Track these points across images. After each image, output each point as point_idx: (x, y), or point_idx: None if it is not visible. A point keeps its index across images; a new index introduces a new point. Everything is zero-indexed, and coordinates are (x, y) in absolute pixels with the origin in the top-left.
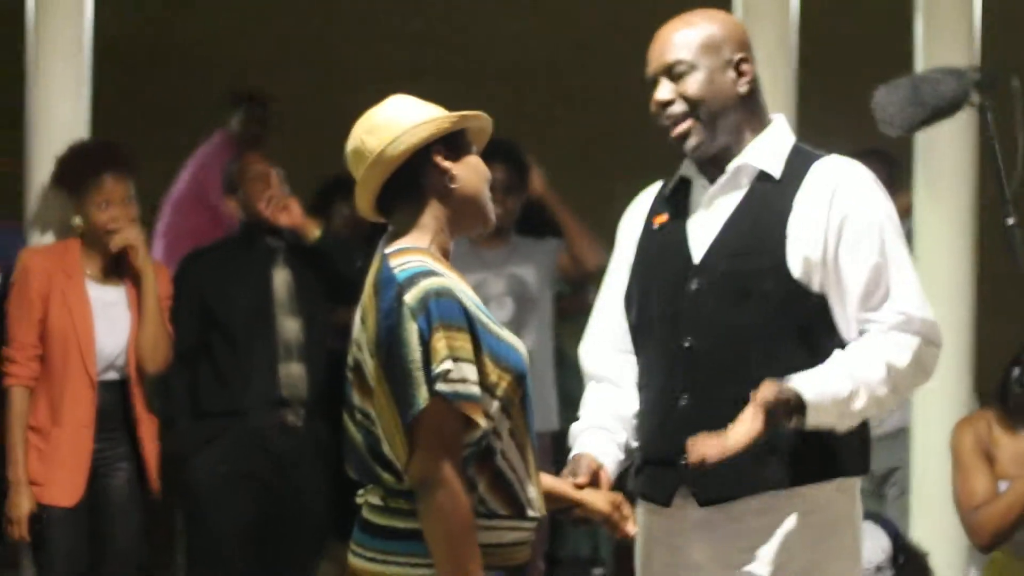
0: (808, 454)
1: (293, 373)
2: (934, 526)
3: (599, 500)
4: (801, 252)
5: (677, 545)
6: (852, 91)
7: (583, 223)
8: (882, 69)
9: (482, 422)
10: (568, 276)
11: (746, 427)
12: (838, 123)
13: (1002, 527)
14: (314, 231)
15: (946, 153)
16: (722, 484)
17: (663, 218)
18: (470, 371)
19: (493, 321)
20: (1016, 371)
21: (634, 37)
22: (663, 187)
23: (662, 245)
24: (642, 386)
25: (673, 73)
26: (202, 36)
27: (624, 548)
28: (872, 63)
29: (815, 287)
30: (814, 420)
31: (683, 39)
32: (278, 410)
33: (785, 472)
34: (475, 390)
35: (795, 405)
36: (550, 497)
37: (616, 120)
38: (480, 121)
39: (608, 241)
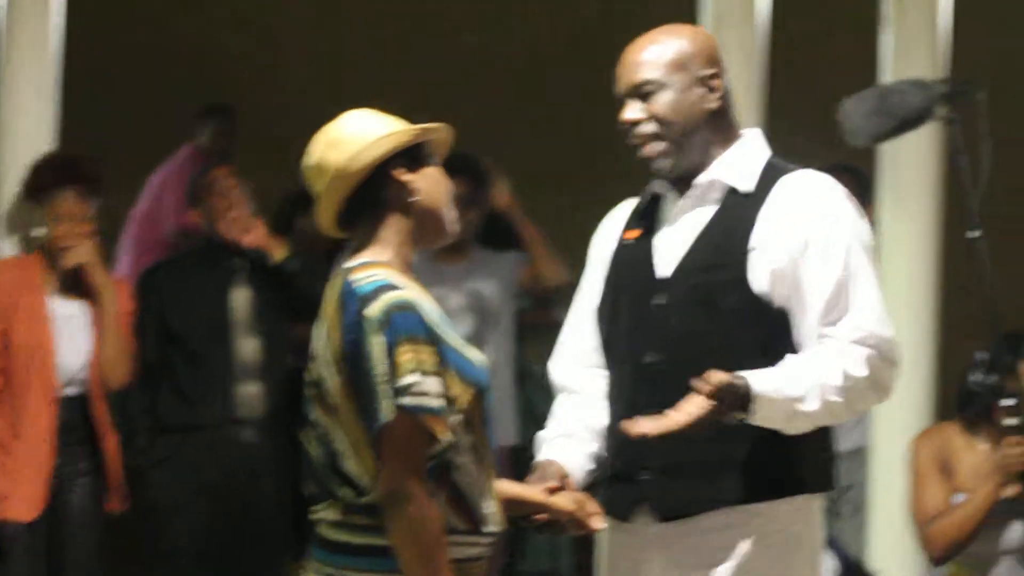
0: (769, 470)
1: (250, 393)
2: (894, 543)
3: (564, 500)
4: (764, 266)
5: (637, 560)
6: (820, 103)
7: (545, 238)
8: (849, 81)
9: (445, 436)
10: (530, 291)
11: (689, 407)
12: (805, 135)
13: (956, 540)
14: (279, 252)
15: (911, 166)
16: (681, 499)
17: (634, 233)
18: (434, 384)
19: (455, 335)
20: (975, 375)
21: (598, 46)
22: (638, 203)
23: (631, 260)
24: (610, 401)
25: (641, 92)
26: (175, 47)
27: (584, 564)
28: (840, 75)
29: (777, 302)
30: (762, 415)
31: (651, 57)
32: (235, 427)
33: (745, 488)
34: (439, 403)
35: (743, 395)
36: (515, 503)
37: (582, 130)
38: (440, 133)
39: (571, 252)
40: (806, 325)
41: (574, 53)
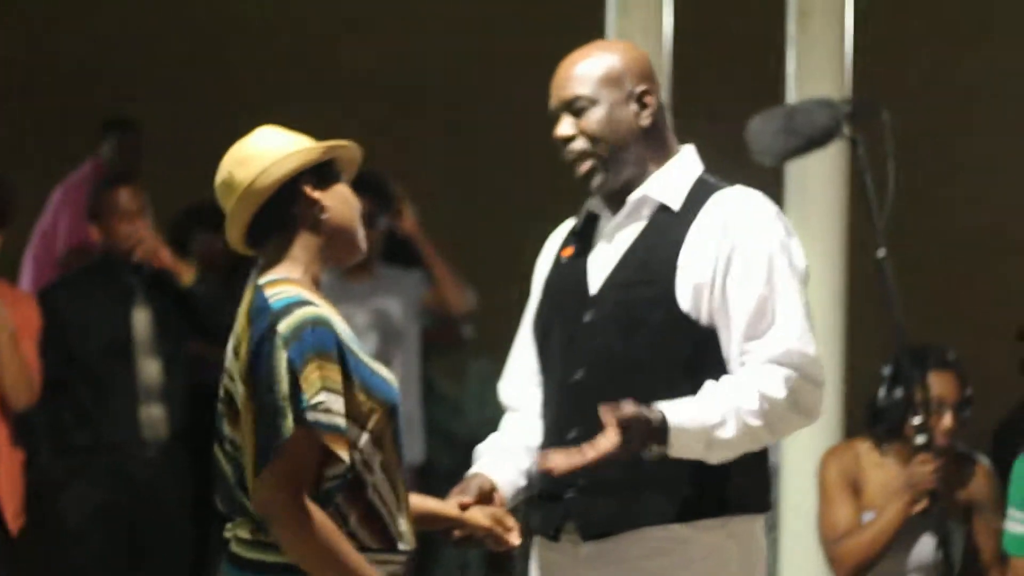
0: (695, 489)
1: (153, 415)
2: (804, 563)
3: (480, 516)
4: (690, 283)
5: None
6: (725, 123)
7: (450, 264)
8: (754, 101)
9: (344, 455)
10: (433, 312)
11: (600, 442)
12: (711, 156)
13: (865, 558)
14: (187, 275)
15: (817, 186)
16: (605, 518)
17: (569, 251)
18: (338, 403)
19: (365, 353)
20: (882, 391)
21: (513, 63)
22: (576, 221)
23: (565, 278)
24: (542, 419)
25: (573, 108)
26: (79, 64)
27: None
28: (744, 95)
29: (703, 319)
30: (679, 445)
31: (583, 73)
32: (138, 448)
33: (669, 507)
34: (341, 422)
35: (657, 427)
36: (431, 518)
37: (492, 143)
38: (349, 151)
39: (495, 273)
40: (730, 343)
41: (488, 64)
